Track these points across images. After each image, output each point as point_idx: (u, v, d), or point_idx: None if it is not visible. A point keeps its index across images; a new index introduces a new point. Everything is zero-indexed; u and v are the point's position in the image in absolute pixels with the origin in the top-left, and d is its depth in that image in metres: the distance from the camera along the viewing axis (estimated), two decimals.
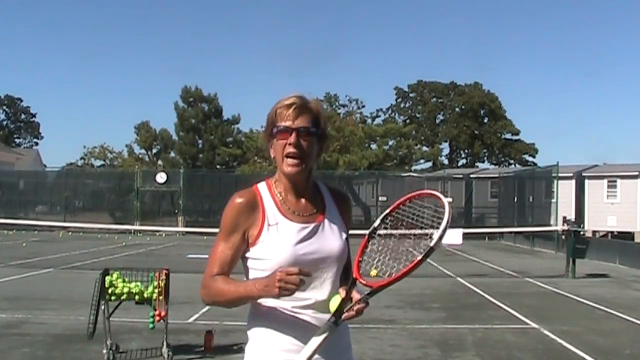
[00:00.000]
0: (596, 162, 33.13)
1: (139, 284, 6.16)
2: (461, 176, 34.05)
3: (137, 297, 6.09)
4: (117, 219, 30.63)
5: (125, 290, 6.05)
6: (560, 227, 16.10)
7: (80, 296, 9.01)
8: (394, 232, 2.05)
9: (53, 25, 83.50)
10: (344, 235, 2.09)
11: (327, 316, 1.92)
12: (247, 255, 2.05)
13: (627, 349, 7.31)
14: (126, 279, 6.18)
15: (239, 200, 2.03)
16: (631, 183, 26.42)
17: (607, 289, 12.30)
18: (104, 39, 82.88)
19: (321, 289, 2.01)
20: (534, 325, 8.44)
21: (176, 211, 30.29)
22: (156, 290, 6.05)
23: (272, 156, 2.07)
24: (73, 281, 11.80)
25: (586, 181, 27.71)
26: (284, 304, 1.98)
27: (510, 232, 25.04)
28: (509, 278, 14.10)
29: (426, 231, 1.93)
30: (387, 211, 2.07)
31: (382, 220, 2.06)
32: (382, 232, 2.05)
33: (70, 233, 26.35)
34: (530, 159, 55.60)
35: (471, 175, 33.53)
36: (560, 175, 24.30)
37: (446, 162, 55.12)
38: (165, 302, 6.09)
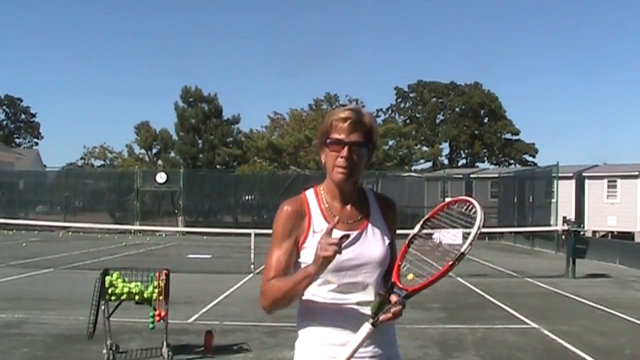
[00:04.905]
0: (596, 162, 33.17)
1: (139, 284, 6.16)
2: (461, 176, 33.99)
3: (137, 297, 6.09)
4: (117, 219, 30.57)
5: (125, 290, 6.05)
6: (560, 227, 16.09)
7: (80, 296, 8.99)
8: (431, 237, 2.15)
9: (53, 26, 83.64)
10: (387, 241, 2.18)
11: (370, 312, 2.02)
12: (298, 260, 2.15)
13: (627, 349, 7.31)
14: (126, 279, 6.18)
15: (287, 208, 2.14)
16: (631, 183, 26.36)
17: (607, 289, 12.30)
18: (104, 39, 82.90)
19: (364, 292, 2.11)
20: (534, 325, 8.45)
21: (176, 211, 30.26)
22: (156, 290, 6.05)
23: (322, 162, 2.16)
24: (73, 281, 11.79)
25: (586, 181, 27.65)
26: (329, 305, 2.09)
27: (510, 232, 25.02)
28: (509, 278, 14.10)
29: (457, 238, 2.02)
30: (426, 217, 2.16)
31: (421, 226, 2.15)
32: (420, 237, 2.15)
33: (70, 233, 26.32)
34: (530, 159, 55.66)
35: (471, 175, 33.49)
36: (560, 175, 24.27)
37: (446, 162, 55.10)
38: (165, 302, 6.09)
